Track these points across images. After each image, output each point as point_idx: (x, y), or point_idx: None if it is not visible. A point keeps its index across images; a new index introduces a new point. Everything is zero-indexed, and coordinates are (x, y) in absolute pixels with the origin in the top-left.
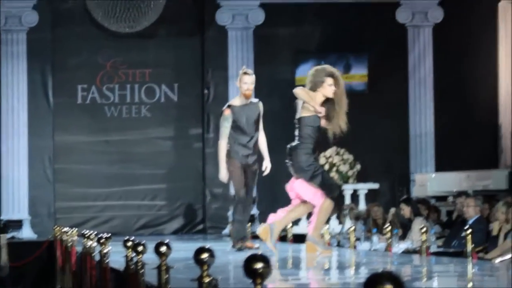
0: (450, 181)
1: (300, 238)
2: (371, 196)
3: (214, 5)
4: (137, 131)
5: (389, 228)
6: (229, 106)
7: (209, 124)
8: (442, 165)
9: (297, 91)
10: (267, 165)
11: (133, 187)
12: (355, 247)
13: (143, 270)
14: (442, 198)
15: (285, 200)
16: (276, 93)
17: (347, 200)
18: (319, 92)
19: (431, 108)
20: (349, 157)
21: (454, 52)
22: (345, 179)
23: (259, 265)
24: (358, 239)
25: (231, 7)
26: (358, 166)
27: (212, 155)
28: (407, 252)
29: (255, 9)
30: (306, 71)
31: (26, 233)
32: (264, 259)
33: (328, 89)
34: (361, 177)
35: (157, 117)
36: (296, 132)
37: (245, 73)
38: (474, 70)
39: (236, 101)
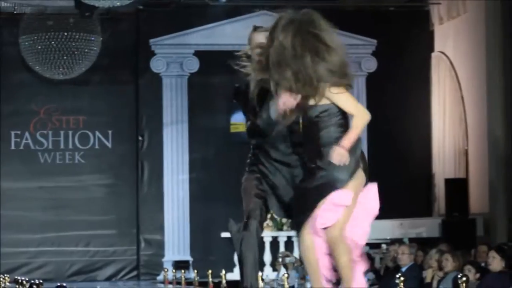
0: (383, 229)
1: (234, 285)
2: None
3: (148, 53)
4: (71, 178)
5: None
6: None
7: (143, 171)
8: None
9: None
10: None
11: (66, 233)
12: None
13: None
14: (375, 246)
15: (219, 248)
16: (212, 140)
17: (282, 248)
18: None
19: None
20: None
21: (388, 101)
22: (280, 227)
23: None
24: (292, 286)
25: (165, 55)
26: None
27: (146, 202)
28: None
29: (189, 57)
30: (240, 119)
31: None
32: None
33: None
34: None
35: (91, 163)
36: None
37: None
38: (407, 120)
39: None
